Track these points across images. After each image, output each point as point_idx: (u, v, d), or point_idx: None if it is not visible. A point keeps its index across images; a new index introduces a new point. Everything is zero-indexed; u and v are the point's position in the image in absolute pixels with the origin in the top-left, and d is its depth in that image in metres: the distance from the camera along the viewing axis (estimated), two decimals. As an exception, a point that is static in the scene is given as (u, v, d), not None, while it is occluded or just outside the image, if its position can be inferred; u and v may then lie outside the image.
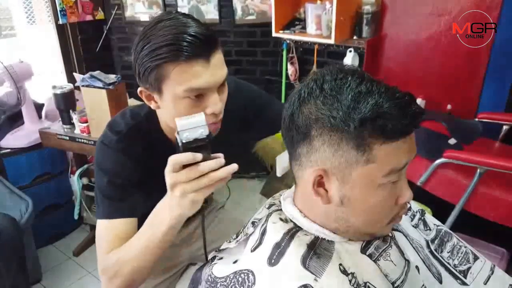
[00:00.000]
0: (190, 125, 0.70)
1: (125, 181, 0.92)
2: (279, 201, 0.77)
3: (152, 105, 0.91)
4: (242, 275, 0.67)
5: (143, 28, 0.84)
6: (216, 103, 0.86)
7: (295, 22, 2.46)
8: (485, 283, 0.80)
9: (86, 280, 2.12)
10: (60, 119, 2.11)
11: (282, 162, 0.71)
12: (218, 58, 0.84)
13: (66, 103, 2.03)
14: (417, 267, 0.71)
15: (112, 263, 0.85)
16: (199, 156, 0.70)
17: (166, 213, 0.77)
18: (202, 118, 0.70)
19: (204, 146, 0.70)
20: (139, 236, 0.84)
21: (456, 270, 0.79)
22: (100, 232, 0.91)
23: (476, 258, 0.82)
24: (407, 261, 0.70)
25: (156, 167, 0.78)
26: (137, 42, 0.84)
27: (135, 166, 0.93)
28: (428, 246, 0.80)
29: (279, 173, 0.71)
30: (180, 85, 0.81)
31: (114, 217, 0.90)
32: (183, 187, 0.71)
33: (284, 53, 2.59)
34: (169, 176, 0.72)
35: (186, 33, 0.79)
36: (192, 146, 0.70)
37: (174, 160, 0.70)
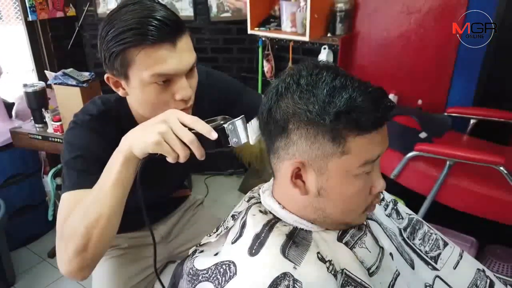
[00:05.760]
0: (243, 126, 0.72)
1: (95, 156, 0.87)
2: (258, 194, 0.79)
3: (120, 92, 0.90)
4: (224, 266, 0.68)
5: (108, 14, 0.83)
6: (185, 89, 0.85)
7: (270, 19, 2.49)
8: (455, 268, 0.84)
9: (61, 282, 2.08)
10: (31, 118, 2.06)
11: (253, 129, 0.72)
12: (185, 42, 0.83)
13: (38, 101, 1.98)
14: (391, 254, 0.74)
15: (67, 227, 0.77)
16: (214, 135, 0.70)
17: (130, 137, 0.76)
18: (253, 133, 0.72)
19: (221, 143, 0.72)
20: (93, 188, 0.79)
21: (427, 256, 0.83)
22: (63, 204, 0.82)
23: (446, 244, 0.87)
24: (382, 248, 0.73)
25: None
26: (102, 27, 0.83)
27: (106, 146, 0.88)
28: (401, 234, 0.84)
29: (252, 141, 0.72)
30: (146, 70, 0.80)
31: (80, 187, 0.83)
32: (168, 130, 0.70)
33: (260, 50, 2.61)
34: (170, 113, 0.72)
35: (151, 17, 0.79)
36: (219, 130, 0.71)
37: (192, 117, 0.72)
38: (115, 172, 0.76)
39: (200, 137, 0.71)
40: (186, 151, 0.71)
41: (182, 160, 0.72)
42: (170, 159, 0.73)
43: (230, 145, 0.73)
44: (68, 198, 0.83)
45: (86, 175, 0.84)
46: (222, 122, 0.73)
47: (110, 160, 0.78)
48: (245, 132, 0.73)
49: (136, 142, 0.74)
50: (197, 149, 0.71)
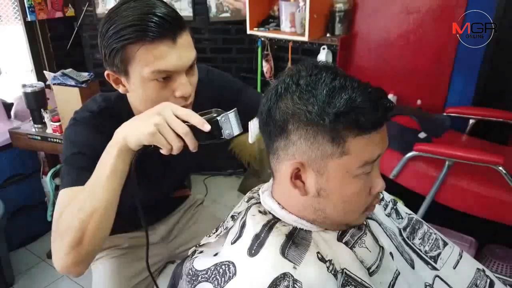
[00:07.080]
0: (236, 119, 0.74)
1: (95, 154, 0.84)
2: (258, 194, 0.79)
3: (121, 89, 0.90)
4: (223, 266, 0.68)
5: (109, 10, 0.84)
6: (185, 86, 0.85)
7: (270, 19, 2.49)
8: (455, 268, 0.84)
9: (60, 282, 2.08)
10: (30, 118, 2.06)
11: (254, 128, 0.74)
12: (185, 39, 0.84)
13: (37, 102, 1.98)
14: (391, 253, 0.74)
15: (62, 221, 0.77)
16: (207, 127, 0.72)
17: (124, 129, 0.77)
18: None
19: (214, 135, 0.73)
20: (87, 182, 0.79)
21: (427, 256, 0.83)
22: (60, 201, 0.81)
23: (445, 244, 0.87)
24: (382, 248, 0.73)
25: None
26: (102, 24, 0.83)
27: (105, 142, 0.87)
28: (401, 234, 0.84)
29: (251, 140, 0.74)
30: (146, 67, 0.81)
31: (78, 184, 0.81)
32: (162, 121, 0.72)
33: (259, 50, 2.61)
34: (164, 106, 0.74)
35: (151, 13, 0.79)
36: (212, 123, 0.73)
37: (186, 110, 0.74)
38: (110, 165, 0.76)
39: (194, 129, 0.73)
40: (180, 143, 0.73)
41: (175, 152, 0.74)
42: (164, 150, 0.74)
43: (223, 137, 0.75)
44: (65, 195, 0.83)
45: (85, 172, 0.84)
46: (215, 114, 0.74)
47: (103, 154, 0.79)
48: (238, 124, 0.75)
49: (131, 134, 0.75)
50: (191, 141, 0.73)
